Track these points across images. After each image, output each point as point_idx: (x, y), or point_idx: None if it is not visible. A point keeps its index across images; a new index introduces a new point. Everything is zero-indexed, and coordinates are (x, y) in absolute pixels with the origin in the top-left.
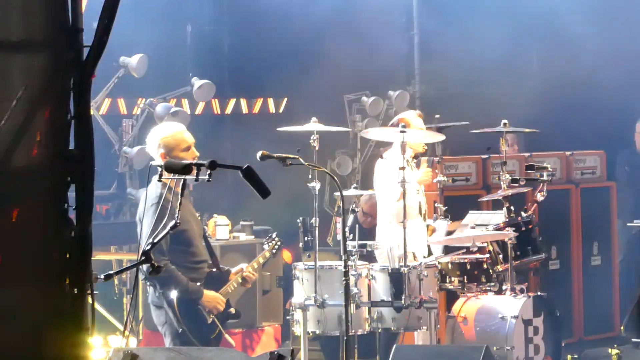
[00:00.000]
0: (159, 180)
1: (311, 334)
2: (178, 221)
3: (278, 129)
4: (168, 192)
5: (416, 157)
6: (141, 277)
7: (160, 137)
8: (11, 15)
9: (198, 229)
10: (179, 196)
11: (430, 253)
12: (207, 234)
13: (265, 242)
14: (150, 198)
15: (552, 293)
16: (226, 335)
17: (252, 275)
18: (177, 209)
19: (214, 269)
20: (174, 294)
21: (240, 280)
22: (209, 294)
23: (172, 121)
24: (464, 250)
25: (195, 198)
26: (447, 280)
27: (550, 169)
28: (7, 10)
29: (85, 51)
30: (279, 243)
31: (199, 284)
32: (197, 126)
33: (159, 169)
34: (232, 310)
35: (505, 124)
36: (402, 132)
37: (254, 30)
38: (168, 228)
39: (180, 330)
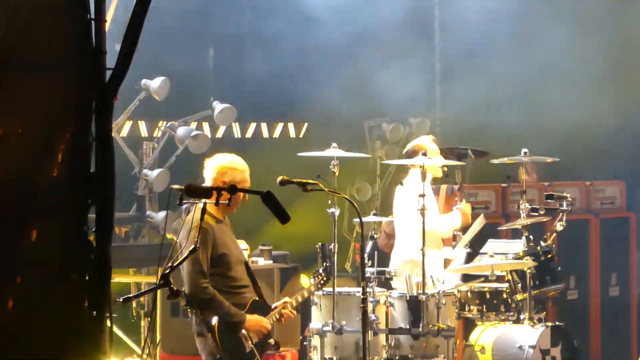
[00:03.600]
0: (180, 204)
1: None
2: (197, 245)
3: (298, 154)
4: (209, 217)
5: (434, 182)
6: (182, 303)
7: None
8: (35, 38)
9: (238, 254)
10: (200, 219)
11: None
12: (247, 261)
13: (312, 277)
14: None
15: (570, 323)
16: None
17: (291, 314)
18: (198, 233)
19: (257, 298)
20: (214, 320)
21: (277, 316)
22: (252, 318)
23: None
24: (483, 279)
25: None
26: (466, 309)
27: (570, 199)
28: (29, 31)
29: (108, 73)
30: (325, 279)
31: (244, 311)
32: (217, 150)
33: (180, 192)
34: (272, 341)
35: (525, 152)
36: (423, 156)
37: (275, 54)
38: (187, 252)
39: (219, 356)
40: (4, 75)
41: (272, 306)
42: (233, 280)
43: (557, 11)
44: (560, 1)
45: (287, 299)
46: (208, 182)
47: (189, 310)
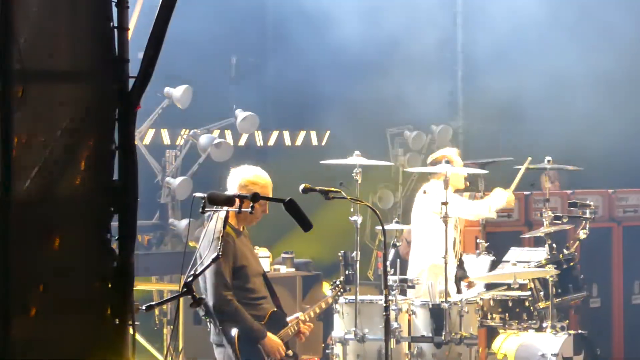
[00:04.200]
0: (202, 212)
1: None
2: (220, 253)
3: (320, 162)
4: (229, 228)
5: (456, 191)
6: (201, 313)
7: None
8: (57, 46)
9: (256, 265)
10: (222, 228)
11: (459, 291)
12: (266, 272)
13: (330, 288)
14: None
15: (593, 331)
16: None
17: (306, 329)
18: (220, 241)
19: (276, 309)
20: (234, 331)
21: (294, 329)
22: (272, 339)
23: (218, 153)
24: (505, 287)
25: None
26: (488, 317)
27: (593, 207)
28: (53, 40)
29: (131, 82)
30: (342, 290)
31: (262, 322)
32: (240, 158)
33: (202, 200)
34: (290, 352)
35: (549, 160)
36: (446, 164)
37: (298, 62)
38: (210, 260)
39: None
40: (27, 84)
41: (287, 319)
42: (251, 292)
43: (580, 18)
44: (584, 8)
45: (299, 314)
46: (231, 191)
47: (207, 320)
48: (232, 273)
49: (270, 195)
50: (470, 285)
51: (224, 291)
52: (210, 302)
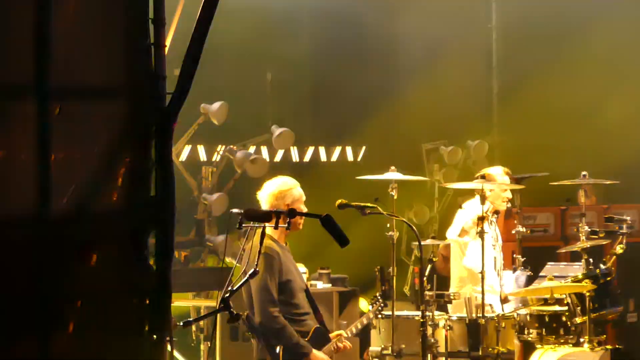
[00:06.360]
0: (239, 227)
1: None
2: (257, 269)
3: (356, 178)
4: (274, 243)
5: (496, 212)
6: (245, 329)
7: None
8: (94, 62)
9: (300, 280)
10: (259, 244)
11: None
12: (308, 287)
13: (371, 304)
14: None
15: (630, 346)
16: None
17: (347, 345)
18: (257, 257)
19: (319, 325)
20: (279, 347)
21: (335, 347)
22: (317, 355)
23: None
24: (542, 302)
25: None
26: (525, 332)
27: (630, 221)
28: (90, 57)
29: (168, 98)
30: (383, 305)
31: (307, 339)
32: (275, 174)
33: (239, 216)
34: None
35: (584, 175)
36: (482, 179)
37: (333, 78)
38: (247, 276)
39: None
40: (64, 100)
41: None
42: (296, 308)
43: (616, 33)
44: (619, 23)
45: (341, 331)
46: (266, 207)
47: (251, 336)
48: (279, 288)
49: (305, 197)
50: (505, 300)
51: (270, 307)
52: (256, 318)
